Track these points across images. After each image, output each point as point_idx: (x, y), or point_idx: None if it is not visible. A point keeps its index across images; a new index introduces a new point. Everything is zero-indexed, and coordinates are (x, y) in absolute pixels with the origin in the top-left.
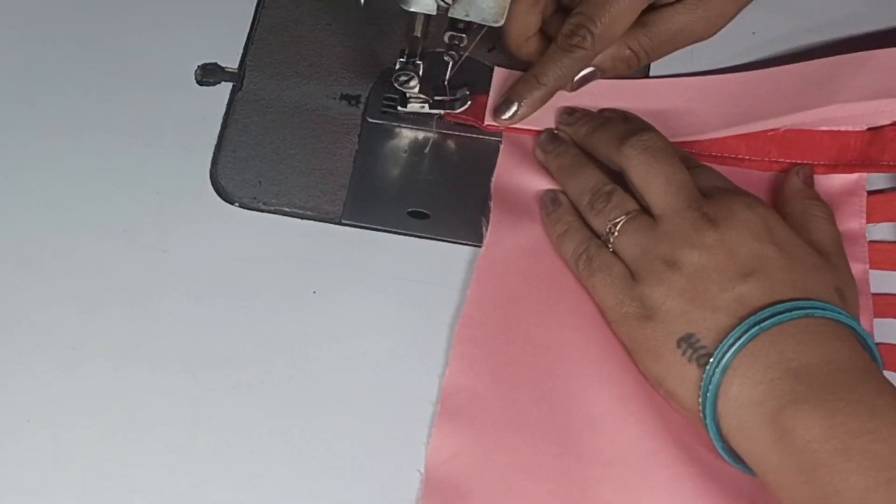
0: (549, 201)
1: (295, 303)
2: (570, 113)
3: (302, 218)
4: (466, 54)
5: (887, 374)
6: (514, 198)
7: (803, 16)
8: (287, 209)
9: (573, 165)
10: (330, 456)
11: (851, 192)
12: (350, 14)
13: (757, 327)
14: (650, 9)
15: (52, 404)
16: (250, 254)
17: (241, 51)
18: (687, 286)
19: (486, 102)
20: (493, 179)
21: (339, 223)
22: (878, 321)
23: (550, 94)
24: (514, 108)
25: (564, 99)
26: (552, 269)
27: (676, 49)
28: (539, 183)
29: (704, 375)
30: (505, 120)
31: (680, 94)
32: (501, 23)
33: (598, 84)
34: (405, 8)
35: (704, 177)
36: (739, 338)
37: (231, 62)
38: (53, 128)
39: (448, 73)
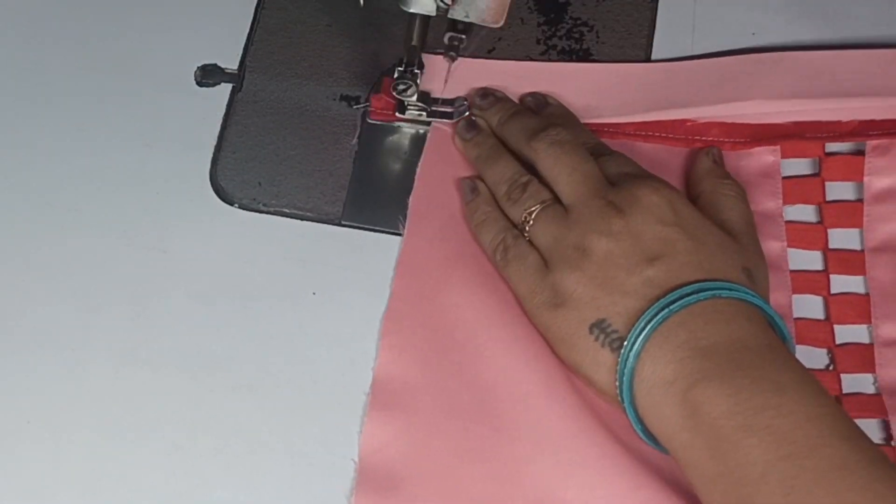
0: (468, 190)
1: (294, 304)
2: (483, 96)
3: (302, 219)
4: (466, 55)
5: (806, 348)
6: (435, 187)
7: (803, 16)
8: (287, 210)
9: (490, 156)
10: (330, 456)
11: (767, 174)
12: (350, 15)
13: (666, 310)
14: None
15: (52, 404)
16: (250, 255)
17: (240, 52)
18: (597, 273)
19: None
20: (418, 170)
21: (339, 224)
22: (796, 297)
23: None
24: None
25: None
26: (474, 256)
27: None
28: (461, 172)
29: (619, 359)
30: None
31: (604, 77)
32: (501, 23)
33: (526, 66)
34: (405, 8)
35: (612, 164)
36: (650, 321)
37: (231, 63)
38: (53, 128)
39: (447, 73)
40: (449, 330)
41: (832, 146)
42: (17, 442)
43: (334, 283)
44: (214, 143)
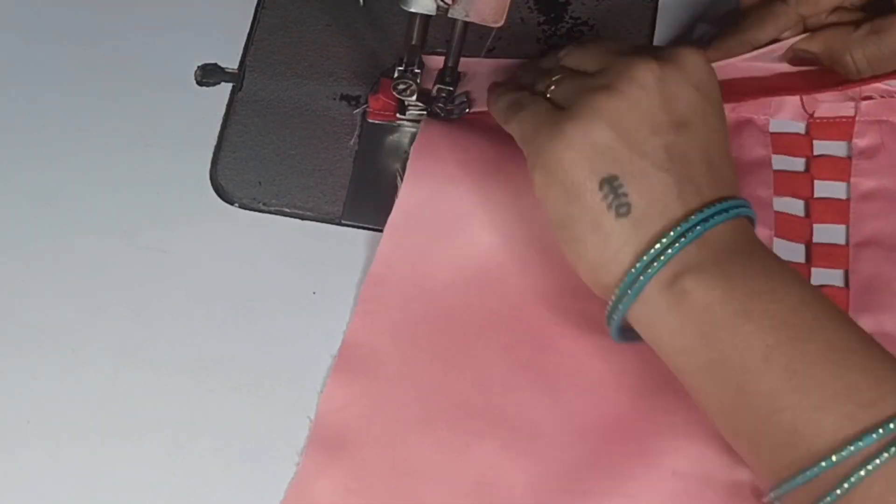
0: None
1: (295, 303)
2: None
3: (302, 218)
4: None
5: None
6: (432, 160)
7: None
8: (287, 209)
9: (520, 97)
10: None
11: (760, 164)
12: (350, 14)
13: (695, 229)
14: (884, 15)
15: (52, 404)
16: (250, 254)
17: (240, 51)
18: (619, 119)
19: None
20: (413, 145)
21: (339, 223)
22: None
23: (745, 46)
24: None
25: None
26: (466, 231)
27: None
28: (459, 147)
29: (630, 270)
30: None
31: None
32: (501, 23)
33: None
34: (405, 8)
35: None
36: (675, 242)
37: (231, 63)
38: (53, 128)
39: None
40: (427, 302)
41: (820, 147)
42: (17, 442)
43: (334, 283)
44: (214, 142)
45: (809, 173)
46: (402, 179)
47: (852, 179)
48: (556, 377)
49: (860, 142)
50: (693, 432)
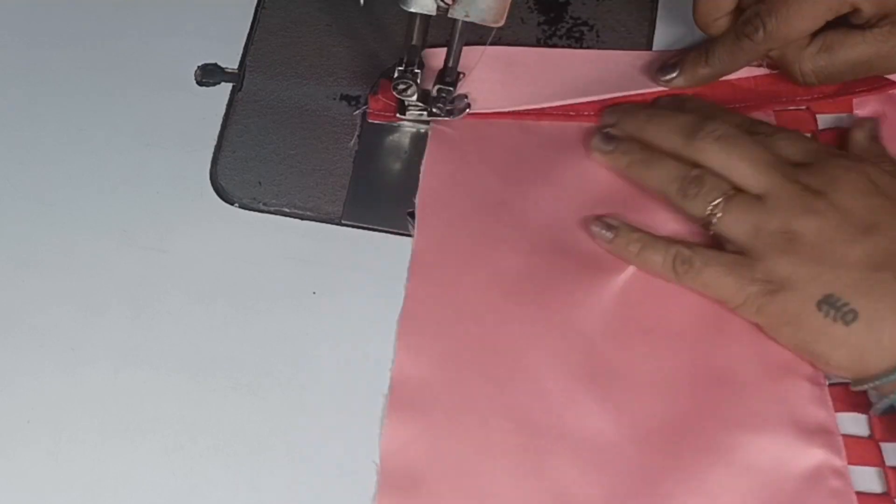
0: (605, 229)
1: (295, 303)
2: (610, 113)
3: (302, 218)
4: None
5: None
6: (440, 187)
7: None
8: (287, 210)
9: (646, 159)
10: (330, 456)
11: None
12: (350, 15)
13: None
14: (837, 29)
15: (52, 404)
16: (250, 254)
17: (240, 51)
18: (812, 252)
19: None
20: (422, 170)
21: (339, 223)
22: None
23: (714, 76)
24: (673, 75)
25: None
26: (486, 253)
27: (854, 78)
28: (465, 169)
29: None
30: (663, 81)
31: (605, 61)
32: (501, 23)
33: (527, 51)
34: (405, 8)
35: (786, 145)
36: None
37: (231, 63)
38: (54, 128)
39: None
40: (465, 327)
41: (823, 121)
42: (17, 442)
43: (334, 283)
44: (214, 142)
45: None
46: (413, 224)
47: None
48: (611, 381)
49: (861, 112)
50: (759, 423)
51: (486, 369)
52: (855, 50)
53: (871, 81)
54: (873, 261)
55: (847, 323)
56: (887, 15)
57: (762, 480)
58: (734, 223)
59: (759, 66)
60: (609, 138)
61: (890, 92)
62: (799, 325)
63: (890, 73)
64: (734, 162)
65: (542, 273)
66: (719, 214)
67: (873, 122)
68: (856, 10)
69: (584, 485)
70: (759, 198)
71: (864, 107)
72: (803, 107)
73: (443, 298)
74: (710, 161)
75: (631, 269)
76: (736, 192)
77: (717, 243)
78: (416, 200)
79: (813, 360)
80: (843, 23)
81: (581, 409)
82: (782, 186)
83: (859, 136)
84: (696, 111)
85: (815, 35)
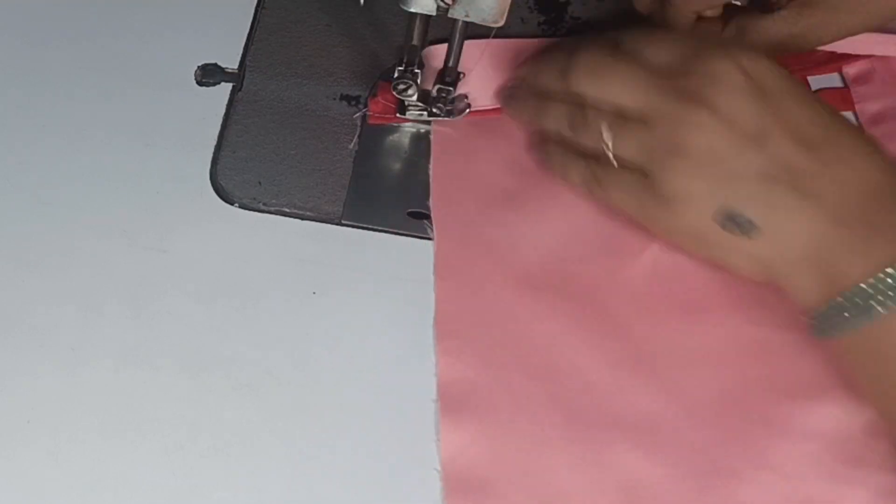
0: (538, 144)
1: (295, 303)
2: (517, 69)
3: (302, 218)
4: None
5: None
6: (451, 187)
7: None
8: (287, 210)
9: (538, 106)
10: (331, 457)
11: None
12: (350, 15)
13: None
14: (750, 13)
15: (52, 404)
16: (250, 254)
17: (240, 51)
18: (704, 165)
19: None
20: (431, 173)
21: (339, 223)
22: None
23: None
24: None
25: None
26: (510, 246)
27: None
28: (473, 167)
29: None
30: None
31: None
32: (501, 23)
33: (524, 43)
34: (405, 8)
35: (653, 53)
36: None
37: (231, 63)
38: (53, 128)
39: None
40: (501, 324)
41: (815, 83)
42: (17, 442)
43: (334, 283)
44: (214, 142)
45: None
46: (431, 227)
47: (857, 106)
48: (654, 362)
49: (851, 70)
50: (809, 389)
51: (528, 366)
52: (768, 33)
53: (864, 47)
54: (767, 171)
55: (750, 236)
56: None
57: (823, 445)
58: (625, 148)
59: None
60: (510, 95)
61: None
62: (704, 240)
63: (805, 50)
64: (606, 88)
65: (566, 263)
66: (610, 143)
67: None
68: None
69: (648, 467)
70: (642, 118)
71: (853, 65)
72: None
73: (473, 299)
74: (586, 92)
75: (655, 247)
76: (621, 116)
77: None
78: (430, 203)
79: (732, 273)
80: (759, 6)
81: (629, 394)
82: (660, 102)
83: (730, 26)
84: (572, 46)
85: (728, 20)
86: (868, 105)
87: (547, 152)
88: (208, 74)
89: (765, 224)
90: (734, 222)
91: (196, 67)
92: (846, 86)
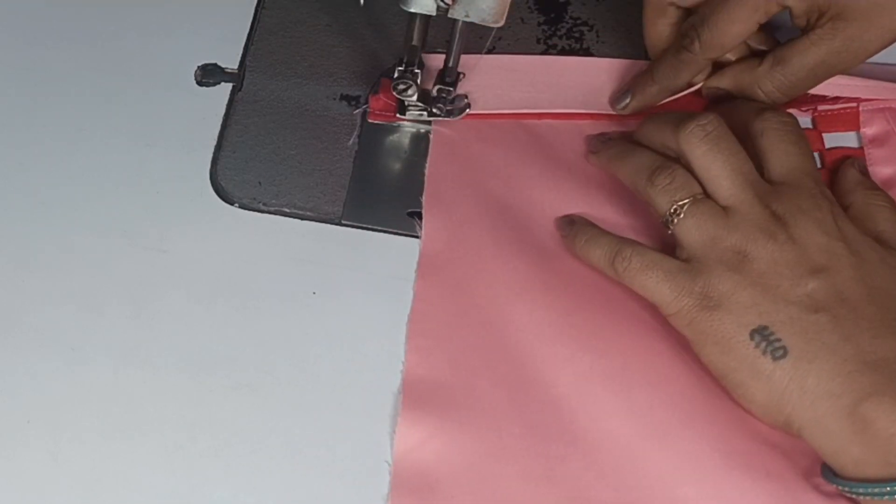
0: (566, 224)
1: (295, 303)
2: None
3: (302, 218)
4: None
5: None
6: (445, 187)
7: None
8: (287, 210)
9: (624, 150)
10: (331, 457)
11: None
12: (350, 15)
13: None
14: (785, 43)
15: (52, 404)
16: (250, 254)
17: (240, 51)
18: (758, 279)
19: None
20: (426, 172)
21: (339, 223)
22: None
23: (664, 94)
24: (626, 100)
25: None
26: (495, 255)
27: (818, 83)
28: (469, 169)
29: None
30: (619, 109)
31: (606, 70)
32: (501, 23)
33: (526, 60)
34: (405, 8)
35: (776, 161)
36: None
37: (231, 63)
38: (53, 128)
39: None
40: (475, 329)
41: (830, 140)
42: (17, 442)
43: (334, 283)
44: (214, 142)
45: (826, 167)
46: (419, 225)
47: (870, 169)
48: (623, 379)
49: (868, 130)
50: (774, 435)
51: (495, 373)
52: (807, 55)
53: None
54: (813, 302)
55: (775, 358)
56: (823, 12)
57: (784, 487)
58: (693, 227)
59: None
60: (602, 139)
61: (894, 107)
62: (726, 349)
63: (848, 69)
64: (712, 164)
65: (549, 273)
66: (681, 215)
67: (862, 160)
68: (787, 10)
69: (598, 489)
70: (724, 209)
71: (871, 125)
72: (809, 126)
73: (451, 300)
74: (692, 154)
75: None
76: (704, 196)
77: (669, 247)
78: (423, 201)
79: (728, 388)
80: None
81: (593, 411)
82: (751, 205)
83: (851, 169)
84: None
85: (765, 54)
86: (881, 168)
87: (572, 230)
88: (208, 74)
89: (793, 348)
90: (766, 340)
91: (196, 67)
92: (861, 146)
